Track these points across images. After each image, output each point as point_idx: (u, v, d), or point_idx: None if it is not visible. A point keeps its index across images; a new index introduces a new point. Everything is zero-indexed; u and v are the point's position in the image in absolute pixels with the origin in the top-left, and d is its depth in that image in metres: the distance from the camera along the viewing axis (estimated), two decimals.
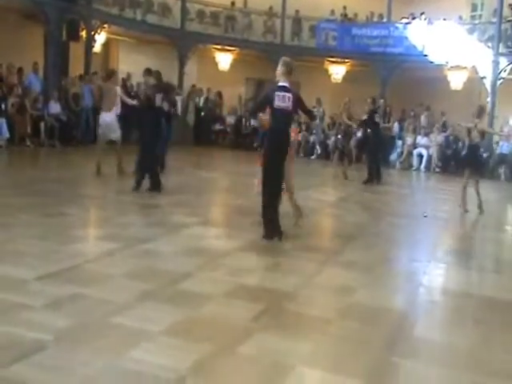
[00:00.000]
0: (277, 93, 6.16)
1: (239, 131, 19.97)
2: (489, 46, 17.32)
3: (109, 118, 10.18)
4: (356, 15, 20.07)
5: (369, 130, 13.15)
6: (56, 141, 14.67)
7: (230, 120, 20.19)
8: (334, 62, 19.74)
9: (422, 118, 18.61)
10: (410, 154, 17.77)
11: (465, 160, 10.33)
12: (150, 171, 8.78)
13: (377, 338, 3.86)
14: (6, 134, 13.38)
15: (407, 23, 18.76)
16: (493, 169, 16.52)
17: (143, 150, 8.81)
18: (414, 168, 17.53)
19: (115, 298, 4.10)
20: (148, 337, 3.48)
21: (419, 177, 16.82)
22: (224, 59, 20.23)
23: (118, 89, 10.64)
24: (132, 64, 17.61)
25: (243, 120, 19.94)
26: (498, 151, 16.84)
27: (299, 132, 15.49)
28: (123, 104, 10.67)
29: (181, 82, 18.38)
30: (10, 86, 14.46)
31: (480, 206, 9.55)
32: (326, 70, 19.93)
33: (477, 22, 19.18)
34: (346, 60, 19.60)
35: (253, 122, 18.56)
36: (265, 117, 6.45)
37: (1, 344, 3.24)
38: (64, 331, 3.47)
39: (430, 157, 17.42)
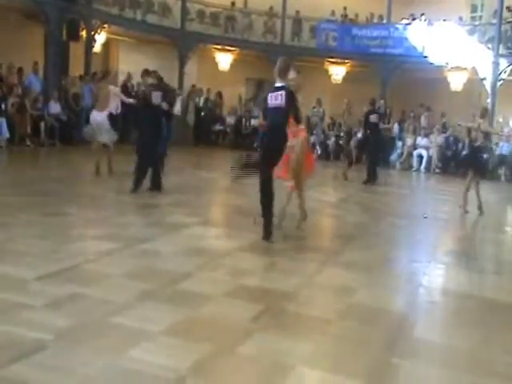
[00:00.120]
0: (270, 94, 6.28)
1: (239, 131, 19.96)
2: (489, 48, 17.33)
3: (100, 117, 10.12)
4: (357, 16, 20.07)
5: (368, 131, 13.16)
6: (56, 141, 14.68)
7: (230, 120, 20.17)
8: (334, 62, 19.75)
9: (422, 119, 18.62)
10: (410, 154, 17.78)
11: (466, 161, 10.32)
12: (152, 168, 8.73)
13: (377, 338, 3.85)
14: (6, 134, 13.38)
15: (407, 24, 18.78)
16: (493, 170, 16.52)
17: (143, 150, 8.76)
18: (414, 169, 17.55)
19: (115, 297, 4.10)
20: (148, 337, 3.48)
21: (419, 177, 16.83)
22: (224, 59, 20.23)
23: (113, 88, 10.61)
24: (132, 64, 17.60)
25: (243, 120, 19.94)
26: (497, 152, 16.85)
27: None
28: (123, 103, 10.67)
29: (181, 82, 18.38)
30: (10, 85, 14.47)
31: (480, 207, 9.55)
32: (326, 71, 19.94)
33: (477, 23, 19.21)
34: (346, 61, 19.61)
35: (253, 122, 18.62)
36: None
37: (1, 344, 3.24)
38: (64, 331, 3.46)
39: (429, 158, 17.44)
